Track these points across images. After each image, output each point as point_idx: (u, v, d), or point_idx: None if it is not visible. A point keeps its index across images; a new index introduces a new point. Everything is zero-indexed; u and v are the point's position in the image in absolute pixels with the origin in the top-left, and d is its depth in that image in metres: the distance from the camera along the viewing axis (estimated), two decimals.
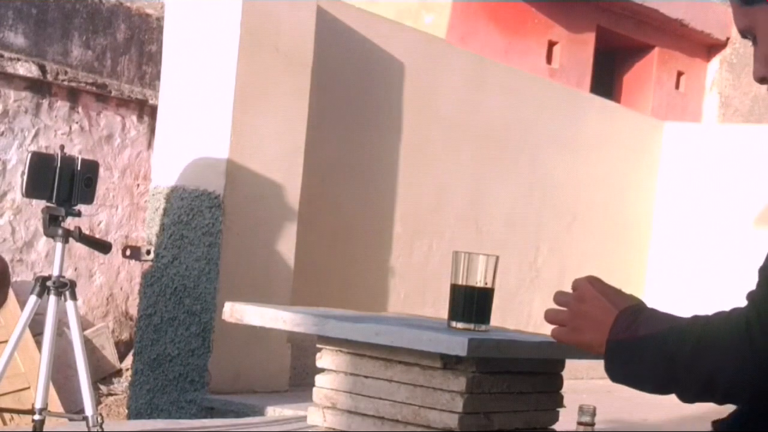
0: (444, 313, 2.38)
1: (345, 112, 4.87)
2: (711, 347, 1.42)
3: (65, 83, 6.09)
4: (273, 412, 3.90)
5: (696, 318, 1.45)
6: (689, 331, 1.44)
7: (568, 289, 1.69)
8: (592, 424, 2.79)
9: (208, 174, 4.14)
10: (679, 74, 8.91)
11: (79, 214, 2.95)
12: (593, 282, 1.58)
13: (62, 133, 6.11)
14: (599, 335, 1.53)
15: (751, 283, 1.83)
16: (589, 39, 7.98)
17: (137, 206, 6.48)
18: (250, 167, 4.19)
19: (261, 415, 3.90)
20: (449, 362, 2.24)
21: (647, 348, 1.47)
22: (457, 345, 2.12)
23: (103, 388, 5.86)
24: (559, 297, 1.59)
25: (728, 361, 1.40)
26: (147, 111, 6.53)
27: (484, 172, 5.69)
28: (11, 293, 5.23)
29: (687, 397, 1.46)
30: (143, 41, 6.62)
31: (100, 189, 5.86)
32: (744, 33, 1.57)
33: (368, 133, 5.00)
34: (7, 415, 4.81)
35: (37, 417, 2.87)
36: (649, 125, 7.39)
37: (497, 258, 2.30)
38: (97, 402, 5.41)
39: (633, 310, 1.51)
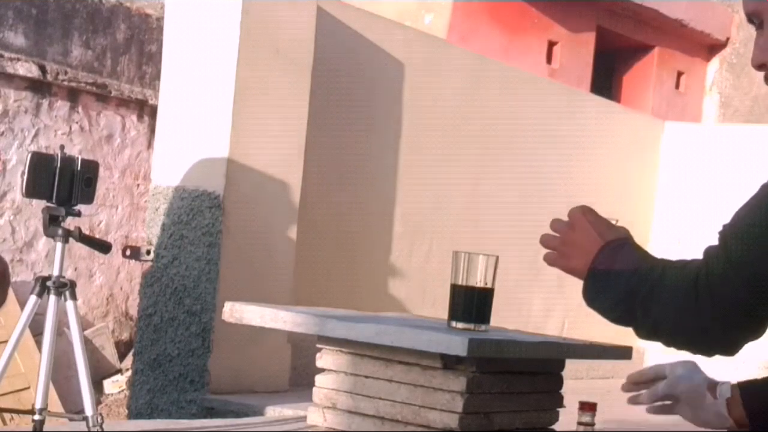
0: (444, 313, 2.38)
1: (345, 112, 4.87)
2: (662, 293, 1.53)
3: (65, 83, 6.09)
4: (273, 412, 3.90)
5: (660, 262, 1.57)
6: (650, 274, 1.55)
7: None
8: (592, 424, 2.79)
9: (208, 174, 4.14)
10: (679, 74, 8.92)
11: (79, 214, 2.95)
12: (586, 212, 1.68)
13: (62, 133, 6.11)
14: (584, 262, 1.63)
15: None
16: (589, 39, 7.98)
17: (137, 206, 6.49)
18: (250, 167, 4.19)
19: (261, 415, 3.90)
20: (449, 362, 2.24)
21: (617, 282, 1.58)
22: (457, 345, 2.12)
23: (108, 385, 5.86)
24: (554, 224, 1.70)
25: (672, 309, 1.51)
26: (147, 111, 6.54)
27: (484, 172, 5.69)
28: (11, 293, 5.23)
29: (640, 334, 1.58)
30: (143, 41, 6.62)
31: (100, 189, 5.86)
32: (750, 17, 1.62)
33: (368, 133, 4.99)
34: (7, 415, 4.82)
35: (37, 417, 2.87)
36: (649, 125, 7.39)
37: (497, 258, 2.30)
38: (97, 402, 5.41)
39: (616, 244, 1.62)
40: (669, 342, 1.58)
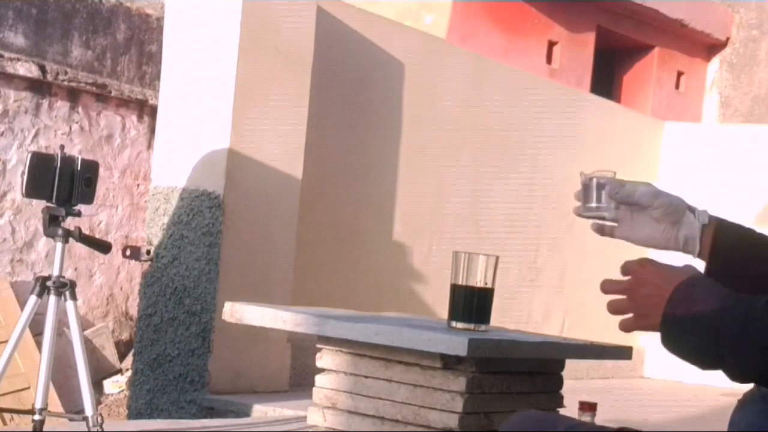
0: (444, 313, 2.38)
1: (345, 112, 4.87)
2: (752, 330, 1.41)
3: (65, 83, 6.09)
4: (273, 412, 3.90)
5: (741, 299, 1.45)
6: (736, 310, 1.43)
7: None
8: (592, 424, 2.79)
9: (208, 174, 4.14)
10: (679, 74, 8.92)
11: (79, 214, 2.95)
12: (644, 264, 1.57)
13: (62, 133, 6.11)
14: (651, 315, 1.51)
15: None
16: (589, 39, 7.98)
17: (137, 206, 6.49)
18: (250, 167, 4.19)
19: (261, 415, 3.90)
20: (449, 362, 2.24)
21: (696, 326, 1.46)
22: (457, 345, 2.13)
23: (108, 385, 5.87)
24: (614, 285, 1.57)
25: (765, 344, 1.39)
26: (147, 111, 6.54)
27: (484, 172, 5.69)
28: (11, 293, 5.24)
29: (735, 377, 1.46)
30: (143, 41, 6.62)
31: (100, 189, 5.86)
32: None
33: (368, 133, 5.00)
34: (7, 415, 4.82)
35: (37, 417, 2.87)
36: (649, 125, 7.39)
37: (497, 258, 2.30)
38: (97, 402, 5.41)
39: (687, 284, 1.50)
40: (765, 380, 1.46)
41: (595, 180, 1.80)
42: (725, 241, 1.72)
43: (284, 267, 4.34)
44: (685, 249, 1.76)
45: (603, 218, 1.81)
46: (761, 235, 1.74)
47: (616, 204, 1.78)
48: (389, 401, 2.30)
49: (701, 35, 8.79)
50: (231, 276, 4.11)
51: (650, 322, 1.53)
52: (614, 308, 1.57)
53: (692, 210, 1.76)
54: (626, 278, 1.57)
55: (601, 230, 1.85)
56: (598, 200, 1.80)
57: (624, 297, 1.56)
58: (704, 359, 1.47)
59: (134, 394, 4.24)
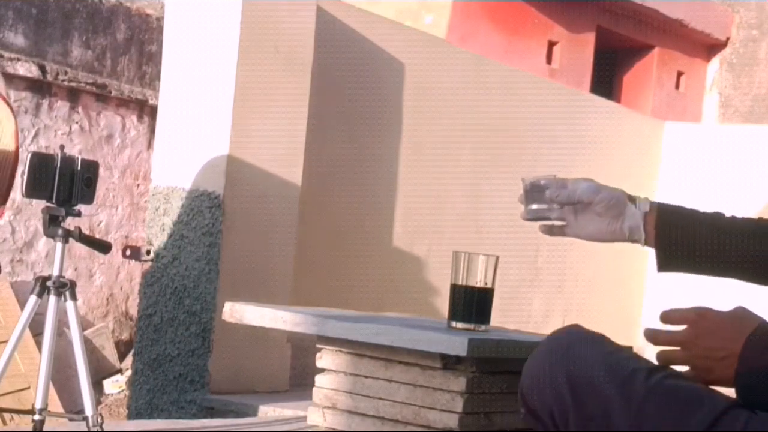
0: (444, 313, 2.38)
1: (345, 112, 4.87)
2: None
3: (65, 83, 6.09)
4: (273, 412, 3.90)
5: None
6: None
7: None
8: None
9: (208, 174, 4.14)
10: (679, 74, 8.92)
11: (79, 214, 2.95)
12: (704, 314, 1.51)
13: (62, 133, 6.11)
14: (729, 369, 1.47)
15: (751, 285, 1.82)
16: (589, 39, 7.98)
17: (137, 206, 6.49)
18: (250, 167, 4.19)
19: (261, 415, 3.90)
20: (449, 362, 2.24)
21: None
22: (457, 345, 2.13)
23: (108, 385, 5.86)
24: (668, 337, 1.52)
25: None
26: (147, 111, 6.54)
27: (484, 172, 5.69)
28: (11, 293, 5.24)
29: None
30: (143, 41, 6.62)
31: (100, 189, 5.86)
32: None
33: (368, 133, 4.99)
34: (7, 415, 4.82)
35: (37, 417, 2.86)
36: (649, 125, 7.40)
37: (497, 258, 2.30)
38: (97, 402, 5.41)
39: (758, 336, 1.45)
40: None
41: (534, 183, 1.83)
42: (668, 225, 1.75)
43: (284, 267, 4.34)
44: (631, 239, 1.78)
45: (548, 219, 1.84)
46: (702, 213, 1.77)
47: (558, 204, 1.81)
48: (389, 401, 2.30)
49: (701, 35, 8.79)
50: (231, 276, 4.11)
51: (715, 377, 1.49)
52: (667, 360, 1.52)
53: (633, 200, 1.78)
54: (681, 328, 1.51)
55: (549, 231, 1.87)
56: (542, 202, 1.83)
57: (679, 349, 1.51)
58: None
59: (134, 394, 4.24)
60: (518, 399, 1.59)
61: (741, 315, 1.49)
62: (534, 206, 1.83)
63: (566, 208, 1.81)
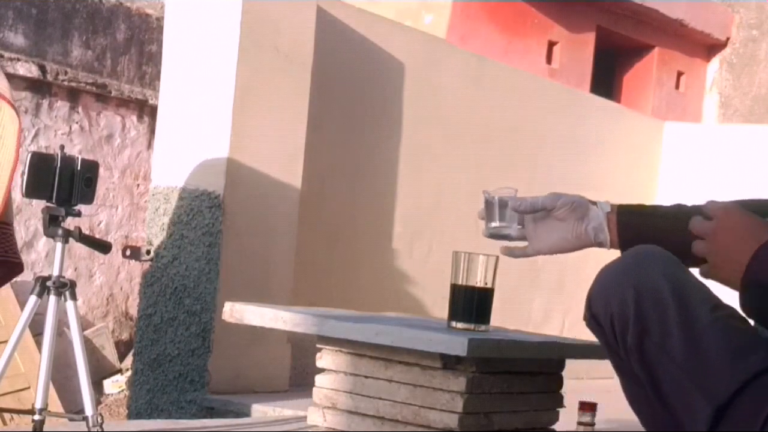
0: (444, 313, 2.38)
1: (345, 112, 4.87)
2: None
3: (65, 83, 6.09)
4: (273, 412, 3.90)
5: None
6: None
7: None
8: (592, 424, 2.79)
9: (208, 174, 4.14)
10: (679, 74, 8.92)
11: (79, 214, 2.95)
12: (731, 210, 1.55)
13: (62, 133, 6.11)
14: (737, 273, 1.49)
15: None
16: (589, 39, 7.98)
17: (137, 206, 6.49)
18: (250, 167, 4.19)
19: (261, 415, 3.90)
20: (449, 362, 2.24)
21: None
22: (457, 345, 2.13)
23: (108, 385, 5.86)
24: (700, 226, 1.55)
25: None
26: (147, 111, 6.54)
27: (484, 172, 5.69)
28: (11, 293, 5.24)
29: None
30: (143, 41, 6.62)
31: (100, 189, 5.86)
32: None
33: (368, 133, 4.99)
34: (7, 415, 4.82)
35: (37, 417, 2.86)
36: (650, 125, 7.39)
37: (497, 258, 2.30)
38: (97, 402, 5.41)
39: None
40: None
41: (497, 198, 1.82)
42: (630, 223, 1.78)
43: (284, 267, 4.34)
44: (596, 241, 1.82)
45: (508, 238, 1.83)
46: (663, 207, 1.80)
47: (519, 221, 1.82)
48: (389, 401, 2.31)
49: (701, 35, 8.79)
50: (231, 276, 4.11)
51: (725, 276, 1.52)
52: (696, 249, 1.55)
53: (594, 204, 1.81)
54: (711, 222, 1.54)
55: (511, 253, 1.88)
56: (502, 218, 1.82)
57: (705, 240, 1.54)
58: None
59: (134, 394, 4.24)
60: (585, 302, 1.62)
61: (761, 221, 1.51)
62: (494, 224, 1.83)
63: (526, 223, 1.82)
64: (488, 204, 1.83)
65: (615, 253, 1.82)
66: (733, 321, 1.50)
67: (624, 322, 1.53)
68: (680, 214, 1.76)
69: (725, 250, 1.51)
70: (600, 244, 1.82)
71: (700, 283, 1.56)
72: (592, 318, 1.61)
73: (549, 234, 1.82)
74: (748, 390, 1.43)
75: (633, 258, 1.59)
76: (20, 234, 5.91)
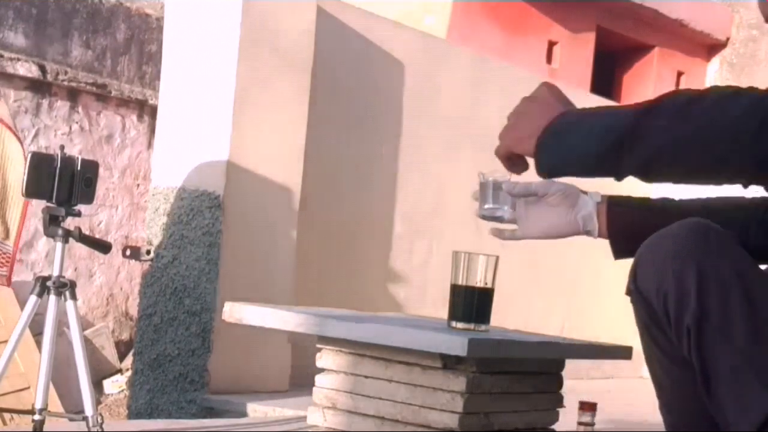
0: (444, 313, 2.38)
1: (345, 112, 4.87)
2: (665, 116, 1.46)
3: (65, 83, 6.09)
4: (273, 412, 3.90)
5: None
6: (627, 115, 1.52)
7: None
8: (592, 424, 2.79)
9: (208, 174, 4.14)
10: (679, 74, 8.92)
11: (79, 214, 2.95)
12: (550, 86, 1.70)
13: (62, 133, 6.11)
14: (535, 129, 1.65)
15: None
16: (589, 39, 7.98)
17: (137, 206, 6.49)
18: (250, 167, 4.19)
19: (261, 415, 3.90)
20: (449, 362, 2.24)
21: (590, 125, 1.56)
22: (457, 345, 2.13)
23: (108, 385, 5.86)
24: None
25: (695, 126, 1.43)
26: (147, 111, 6.54)
27: (485, 172, 5.69)
28: (11, 293, 5.24)
29: (625, 173, 1.51)
30: (143, 41, 6.62)
31: (100, 189, 5.86)
32: None
33: (368, 133, 5.00)
34: (7, 415, 4.82)
35: (37, 417, 2.87)
36: None
37: (497, 258, 2.30)
38: (97, 402, 5.41)
39: (579, 110, 1.59)
40: (664, 173, 1.49)
41: (491, 180, 1.89)
42: (620, 213, 1.80)
43: (284, 267, 4.34)
44: (585, 229, 1.83)
45: (500, 220, 1.88)
46: (652, 199, 1.82)
47: (511, 204, 1.86)
48: (389, 401, 2.30)
49: (701, 35, 8.79)
50: (231, 276, 4.11)
51: (515, 133, 1.71)
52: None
53: (585, 193, 1.84)
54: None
55: (500, 234, 1.91)
56: (495, 200, 1.88)
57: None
58: (596, 155, 1.53)
59: (134, 394, 4.25)
60: (630, 274, 1.57)
61: (551, 101, 1.70)
62: (488, 205, 1.88)
63: (518, 206, 1.87)
64: (482, 185, 1.90)
65: (602, 243, 1.85)
66: None
67: (682, 300, 1.48)
68: (668, 207, 1.80)
69: (532, 111, 1.70)
70: (588, 233, 1.82)
71: (760, 269, 1.53)
72: (637, 292, 1.56)
73: (539, 219, 1.85)
74: None
75: (693, 232, 1.53)
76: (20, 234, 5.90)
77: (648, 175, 1.51)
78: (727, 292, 1.47)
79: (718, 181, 1.46)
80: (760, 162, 1.39)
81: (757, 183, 1.46)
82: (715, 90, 1.46)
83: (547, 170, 1.61)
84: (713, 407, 1.50)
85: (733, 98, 1.42)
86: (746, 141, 1.39)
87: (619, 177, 1.53)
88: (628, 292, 1.59)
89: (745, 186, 1.48)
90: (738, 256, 1.51)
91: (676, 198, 1.83)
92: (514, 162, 1.69)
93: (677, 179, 1.50)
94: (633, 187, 1.70)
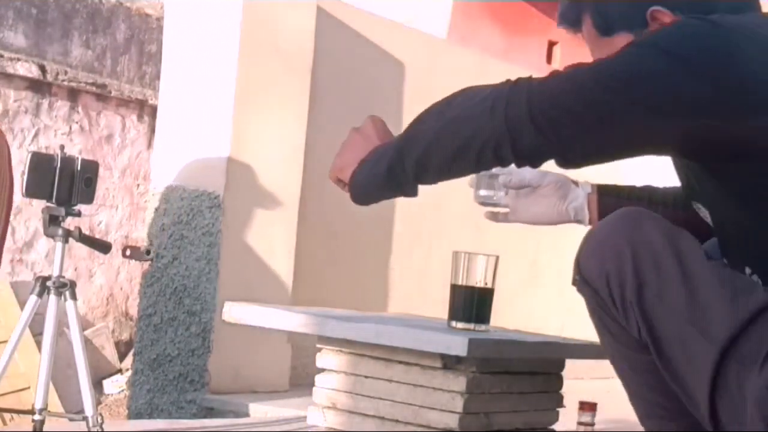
0: (444, 313, 2.38)
1: (345, 112, 4.87)
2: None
3: (65, 83, 6.09)
4: (273, 412, 3.90)
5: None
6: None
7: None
8: (592, 424, 2.80)
9: (208, 174, 4.14)
10: None
11: (79, 214, 2.96)
12: (375, 120, 1.83)
13: (62, 133, 6.11)
14: (354, 161, 1.76)
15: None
16: None
17: (137, 206, 6.49)
18: (250, 167, 4.19)
19: (261, 415, 3.91)
20: (449, 362, 2.24)
21: (391, 149, 1.69)
22: (457, 345, 2.13)
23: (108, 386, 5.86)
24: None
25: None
26: (147, 111, 6.54)
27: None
28: (11, 293, 5.24)
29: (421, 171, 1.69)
30: (143, 41, 6.62)
31: (100, 189, 5.86)
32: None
33: None
34: (7, 415, 4.82)
35: (37, 417, 2.87)
36: None
37: (497, 258, 2.30)
38: (97, 402, 5.41)
39: (393, 142, 1.70)
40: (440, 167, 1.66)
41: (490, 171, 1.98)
42: (609, 203, 1.90)
43: (284, 267, 4.34)
44: (576, 219, 1.97)
45: (496, 205, 1.96)
46: (639, 188, 1.90)
47: (506, 191, 1.95)
48: (389, 401, 2.31)
49: None
50: (231, 276, 4.11)
51: (336, 163, 1.83)
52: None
53: (576, 184, 1.94)
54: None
55: (494, 217, 2.03)
56: (490, 187, 1.98)
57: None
58: (385, 171, 1.71)
59: (134, 394, 4.25)
60: (574, 266, 1.69)
61: (371, 135, 1.81)
62: (483, 192, 1.98)
63: (511, 195, 1.96)
64: (479, 174, 1.98)
65: None
66: (725, 267, 1.55)
67: (621, 278, 1.56)
68: (654, 197, 1.94)
69: (354, 143, 1.82)
70: (579, 222, 1.94)
71: (690, 234, 1.61)
72: (583, 281, 1.66)
73: (532, 207, 1.95)
74: (750, 328, 1.46)
75: (622, 218, 1.63)
76: (20, 234, 5.91)
77: (424, 174, 1.72)
78: (659, 260, 1.54)
79: (476, 162, 1.61)
80: (500, 136, 1.54)
81: (503, 160, 1.57)
82: (468, 87, 1.68)
83: (355, 200, 1.83)
84: (669, 375, 1.56)
85: (480, 89, 1.68)
86: (485, 118, 1.59)
87: (407, 188, 1.76)
88: (574, 282, 1.67)
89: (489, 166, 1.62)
90: (668, 229, 1.59)
91: (660, 186, 1.98)
92: (343, 187, 1.86)
93: (445, 171, 1.70)
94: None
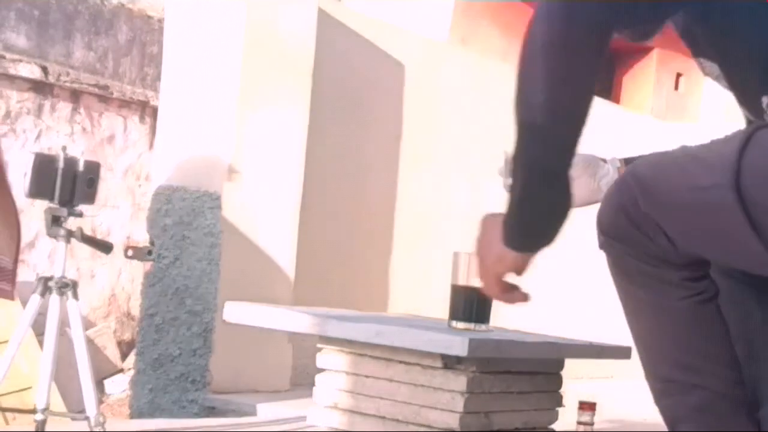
0: (444, 313, 2.39)
1: (345, 113, 4.88)
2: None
3: (67, 84, 6.10)
4: (274, 411, 3.91)
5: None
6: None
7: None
8: (592, 424, 2.80)
9: (209, 175, 4.15)
10: (678, 75, 8.92)
11: (81, 214, 2.97)
12: (484, 219, 1.80)
13: (64, 134, 6.13)
14: (496, 244, 1.72)
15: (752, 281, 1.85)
16: None
17: (139, 207, 6.50)
18: (251, 168, 4.20)
19: (262, 414, 3.92)
20: (449, 362, 2.25)
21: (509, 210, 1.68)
22: (457, 345, 2.14)
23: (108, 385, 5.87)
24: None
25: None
26: (149, 112, 6.55)
27: (485, 172, 5.70)
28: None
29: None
30: (145, 43, 6.63)
31: (102, 190, 5.86)
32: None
33: (369, 134, 5.01)
34: (9, 415, 4.83)
35: (39, 417, 2.88)
36: (649, 126, 7.40)
37: None
38: (99, 402, 5.41)
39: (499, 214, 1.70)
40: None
41: None
42: None
43: (285, 267, 4.35)
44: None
45: None
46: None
47: None
48: (390, 401, 2.32)
49: None
50: (232, 276, 4.12)
51: (481, 263, 1.76)
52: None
53: (604, 161, 1.94)
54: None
55: None
56: None
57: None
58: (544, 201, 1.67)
59: (136, 394, 4.26)
60: (597, 232, 1.71)
61: (488, 223, 1.76)
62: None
63: None
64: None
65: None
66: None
67: (632, 198, 1.57)
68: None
69: (483, 243, 1.77)
70: None
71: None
72: (605, 236, 1.68)
73: None
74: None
75: (626, 175, 1.66)
76: (22, 234, 5.91)
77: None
78: (664, 168, 1.59)
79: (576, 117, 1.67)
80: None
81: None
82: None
83: (528, 246, 1.80)
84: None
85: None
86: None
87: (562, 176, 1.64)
88: (601, 246, 1.67)
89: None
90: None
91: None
92: (510, 292, 1.82)
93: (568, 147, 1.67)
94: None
